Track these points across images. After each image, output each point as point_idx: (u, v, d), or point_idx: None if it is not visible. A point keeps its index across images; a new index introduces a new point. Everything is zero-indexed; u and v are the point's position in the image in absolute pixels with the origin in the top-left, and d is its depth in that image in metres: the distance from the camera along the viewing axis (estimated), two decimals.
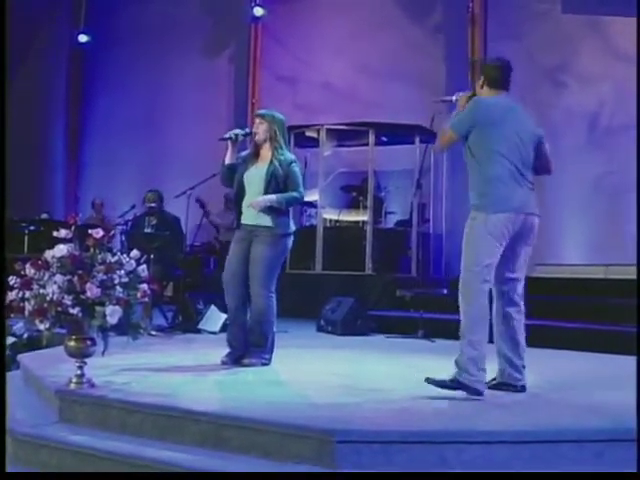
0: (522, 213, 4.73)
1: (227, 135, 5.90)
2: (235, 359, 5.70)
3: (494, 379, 4.87)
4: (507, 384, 4.82)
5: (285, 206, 5.77)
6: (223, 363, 5.68)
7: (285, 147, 5.90)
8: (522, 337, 4.86)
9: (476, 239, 4.69)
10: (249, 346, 5.74)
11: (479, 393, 4.57)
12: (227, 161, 5.93)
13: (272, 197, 5.68)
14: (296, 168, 5.85)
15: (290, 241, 5.86)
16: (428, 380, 4.69)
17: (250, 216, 5.77)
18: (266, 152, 5.86)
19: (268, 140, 5.84)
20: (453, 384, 4.59)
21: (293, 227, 5.92)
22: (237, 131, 5.94)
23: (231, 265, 5.82)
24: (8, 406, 4.52)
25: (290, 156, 5.89)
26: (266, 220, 5.71)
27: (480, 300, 4.67)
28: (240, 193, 5.86)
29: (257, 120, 5.93)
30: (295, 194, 5.79)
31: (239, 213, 5.87)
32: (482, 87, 4.99)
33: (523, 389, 4.80)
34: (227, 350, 5.77)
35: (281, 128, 5.88)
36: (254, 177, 5.80)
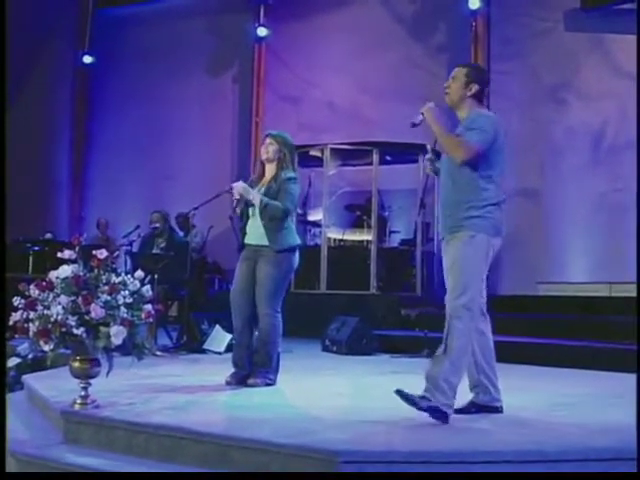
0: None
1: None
2: (240, 379, 5.68)
3: (472, 402, 4.66)
4: (488, 407, 4.60)
5: (268, 213, 5.68)
6: (228, 383, 5.66)
7: (292, 170, 5.87)
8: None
9: (477, 259, 4.46)
10: (254, 366, 5.74)
11: (447, 419, 4.31)
12: (237, 210, 5.88)
13: (256, 193, 5.69)
14: (291, 184, 5.79)
15: (295, 259, 5.84)
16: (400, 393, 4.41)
17: (254, 236, 5.79)
18: (270, 172, 5.88)
19: (276, 161, 5.85)
20: (422, 405, 4.32)
21: (298, 241, 5.89)
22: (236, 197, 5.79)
23: (238, 285, 5.82)
24: (11, 426, 4.52)
25: (290, 174, 5.84)
26: (269, 239, 5.71)
27: (474, 324, 4.48)
28: (245, 214, 5.87)
29: (268, 140, 5.89)
30: (279, 204, 5.69)
31: (243, 233, 5.88)
32: (473, 97, 4.60)
33: (502, 410, 4.61)
34: (232, 370, 5.77)
35: (291, 153, 5.90)
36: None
